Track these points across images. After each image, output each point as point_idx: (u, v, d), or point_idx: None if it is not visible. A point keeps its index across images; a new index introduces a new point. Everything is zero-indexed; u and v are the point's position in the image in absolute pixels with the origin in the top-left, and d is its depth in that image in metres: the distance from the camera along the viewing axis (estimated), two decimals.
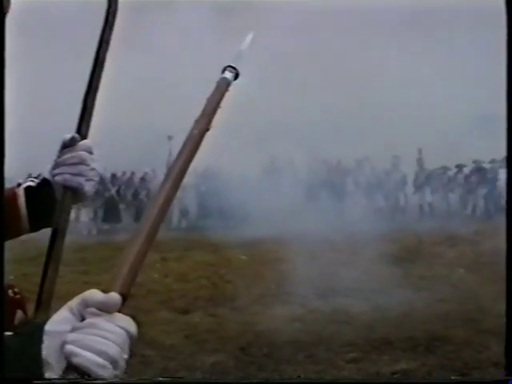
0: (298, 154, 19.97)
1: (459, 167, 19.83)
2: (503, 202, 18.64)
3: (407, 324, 7.10)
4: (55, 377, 0.90)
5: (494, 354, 5.77)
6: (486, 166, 19.37)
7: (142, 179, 20.01)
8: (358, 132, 17.45)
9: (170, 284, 9.89)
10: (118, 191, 19.57)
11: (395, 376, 5.72)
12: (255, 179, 19.64)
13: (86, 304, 0.95)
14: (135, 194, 19.70)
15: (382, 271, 9.69)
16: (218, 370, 5.92)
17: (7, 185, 1.71)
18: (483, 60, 14.63)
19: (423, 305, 7.83)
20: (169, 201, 1.15)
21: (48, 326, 0.93)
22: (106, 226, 18.84)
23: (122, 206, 19.41)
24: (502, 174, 19.33)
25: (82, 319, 0.95)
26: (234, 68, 1.53)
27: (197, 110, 1.41)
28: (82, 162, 1.73)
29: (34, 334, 0.93)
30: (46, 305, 1.53)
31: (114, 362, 0.92)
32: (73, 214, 18.42)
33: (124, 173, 20.55)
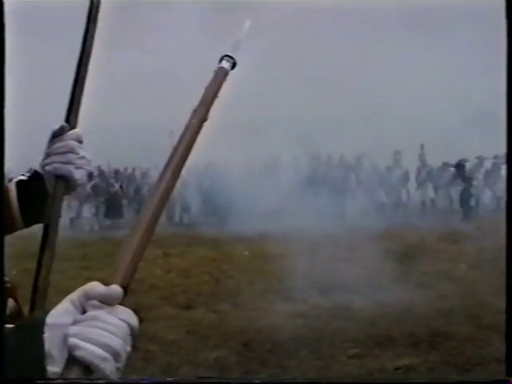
0: (300, 150, 19.96)
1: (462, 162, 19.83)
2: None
3: (409, 320, 7.10)
4: (58, 373, 0.89)
5: (496, 350, 5.77)
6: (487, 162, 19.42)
7: (144, 175, 20.04)
8: (360, 128, 17.44)
9: (173, 279, 9.89)
10: (120, 187, 19.60)
11: (398, 371, 5.73)
12: (257, 175, 19.68)
13: (87, 296, 0.95)
14: (137, 190, 19.72)
15: (384, 267, 9.68)
16: (221, 366, 5.92)
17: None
18: (481, 57, 14.68)
19: (425, 301, 7.83)
20: (169, 191, 1.15)
21: (49, 319, 0.93)
22: (108, 222, 18.86)
23: (124, 202, 19.44)
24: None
25: (84, 312, 0.95)
26: (231, 57, 1.52)
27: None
28: (71, 151, 1.75)
29: (35, 328, 0.92)
30: (42, 295, 1.55)
31: (116, 355, 0.92)
32: (75, 210, 18.50)
33: (126, 168, 20.59)
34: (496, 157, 18.55)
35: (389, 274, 9.17)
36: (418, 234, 13.49)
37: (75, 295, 0.96)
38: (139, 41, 16.98)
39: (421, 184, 20.04)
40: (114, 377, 0.92)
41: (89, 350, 0.90)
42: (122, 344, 0.93)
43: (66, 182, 1.76)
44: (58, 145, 1.75)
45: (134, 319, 0.96)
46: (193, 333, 6.99)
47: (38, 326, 0.92)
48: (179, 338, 6.79)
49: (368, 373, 5.68)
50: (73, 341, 0.90)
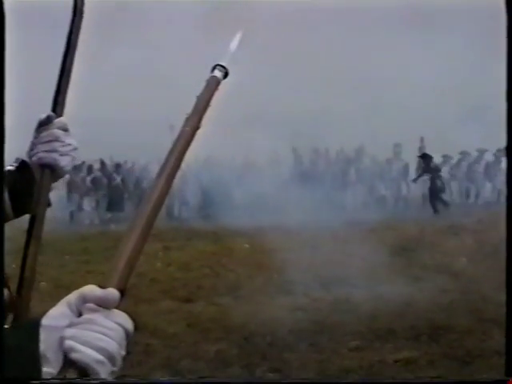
0: (300, 144, 19.97)
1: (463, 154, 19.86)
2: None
3: (410, 313, 7.11)
4: (53, 373, 0.89)
5: (496, 343, 5.77)
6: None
7: (144, 168, 20.02)
8: (360, 121, 17.46)
9: (173, 273, 9.91)
10: (122, 180, 19.61)
11: (398, 364, 5.74)
12: (257, 169, 19.66)
13: (84, 299, 0.95)
14: (137, 184, 19.72)
15: (385, 260, 9.69)
16: (221, 359, 5.93)
17: None
18: (477, 51, 14.70)
19: (426, 294, 7.84)
20: (162, 198, 1.15)
21: (45, 321, 0.92)
22: (108, 216, 18.86)
23: (125, 196, 19.46)
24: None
25: (80, 315, 0.94)
26: (223, 67, 1.53)
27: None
28: (56, 139, 1.77)
29: (31, 329, 0.92)
30: (28, 285, 1.55)
31: (112, 359, 0.91)
32: (75, 204, 18.51)
33: (125, 162, 20.59)
34: (498, 150, 18.53)
35: (389, 268, 9.18)
36: (418, 227, 13.50)
37: (72, 298, 0.95)
38: (137, 36, 16.96)
39: (420, 176, 20.03)
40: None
41: (85, 353, 0.89)
42: (117, 348, 0.93)
43: (52, 171, 1.78)
44: (43, 134, 1.77)
45: (129, 323, 0.96)
46: (193, 326, 6.99)
47: (34, 328, 0.92)
48: (180, 331, 6.79)
49: (368, 365, 5.69)
50: (69, 343, 0.90)
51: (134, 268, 1.03)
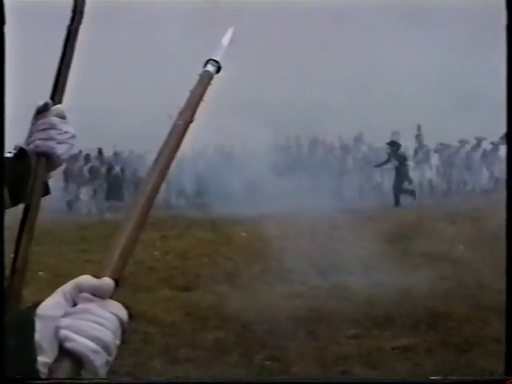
0: (298, 132, 19.97)
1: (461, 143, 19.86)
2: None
3: (408, 300, 7.13)
4: (48, 364, 0.88)
5: (494, 330, 5.80)
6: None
7: (141, 157, 19.98)
8: (357, 109, 17.47)
9: (171, 261, 9.92)
10: (121, 169, 19.59)
11: (396, 351, 5.76)
12: (254, 157, 19.64)
13: (79, 289, 0.95)
14: (135, 173, 19.69)
15: (382, 248, 9.71)
16: (219, 347, 5.95)
17: None
18: (473, 42, 14.75)
19: (424, 281, 7.86)
20: (156, 191, 1.17)
21: (40, 311, 0.92)
22: (106, 205, 18.85)
23: (123, 185, 19.44)
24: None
25: (75, 305, 0.94)
26: (216, 61, 1.55)
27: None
28: (53, 127, 1.75)
29: (26, 319, 0.92)
30: (19, 275, 1.55)
31: (107, 348, 0.91)
32: (73, 193, 18.49)
33: (122, 151, 20.56)
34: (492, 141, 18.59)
35: (387, 255, 9.20)
36: (416, 215, 13.53)
37: (67, 288, 0.95)
38: (136, 23, 16.91)
39: (418, 165, 20.05)
40: (104, 370, 0.92)
41: (80, 342, 0.89)
42: (112, 337, 0.93)
43: (48, 159, 1.77)
44: (40, 121, 1.76)
45: (124, 313, 0.96)
46: (191, 314, 7.01)
47: (29, 317, 0.91)
48: (178, 319, 6.81)
49: (366, 353, 5.71)
50: (64, 333, 0.90)
51: (129, 258, 1.04)
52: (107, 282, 0.96)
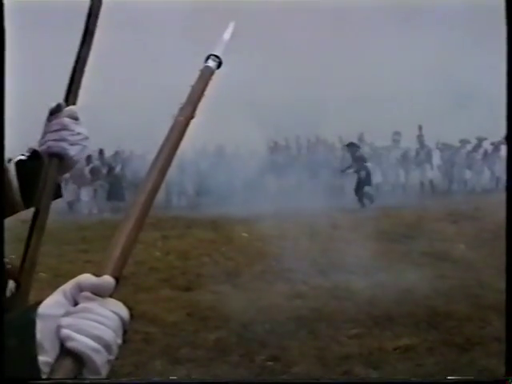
0: (298, 132, 19.96)
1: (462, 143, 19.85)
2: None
3: (409, 300, 7.12)
4: (50, 363, 0.88)
5: (495, 330, 5.79)
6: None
7: (142, 157, 19.96)
8: (358, 109, 17.46)
9: (172, 262, 9.91)
10: (122, 169, 19.59)
11: (397, 351, 5.75)
12: (255, 157, 19.65)
13: (80, 288, 0.95)
14: (136, 173, 19.67)
15: (383, 247, 9.71)
16: (221, 347, 5.94)
17: None
18: (470, 42, 14.78)
19: (424, 281, 7.85)
20: (156, 188, 1.16)
21: (41, 310, 0.92)
22: (109, 205, 18.85)
23: (124, 185, 19.45)
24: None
25: (75, 304, 0.94)
26: (217, 57, 1.55)
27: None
28: (65, 128, 1.75)
29: (27, 318, 0.92)
30: (27, 276, 1.54)
31: (108, 347, 0.91)
32: (73, 193, 18.48)
33: (123, 151, 20.55)
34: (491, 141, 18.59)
35: (388, 255, 9.21)
36: (417, 215, 13.52)
37: (67, 287, 0.95)
38: (136, 23, 16.89)
39: (419, 164, 20.06)
40: (105, 369, 0.92)
41: (81, 341, 0.89)
42: (113, 336, 0.93)
43: (61, 160, 1.75)
44: (53, 122, 1.75)
45: (125, 312, 0.96)
46: (192, 314, 7.00)
47: (30, 316, 0.91)
48: (179, 319, 6.81)
49: (368, 352, 5.70)
50: (65, 332, 0.90)
51: (129, 257, 1.04)
52: (107, 280, 0.96)
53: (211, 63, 1.52)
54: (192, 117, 1.35)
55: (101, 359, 0.90)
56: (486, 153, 19.64)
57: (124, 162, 20.15)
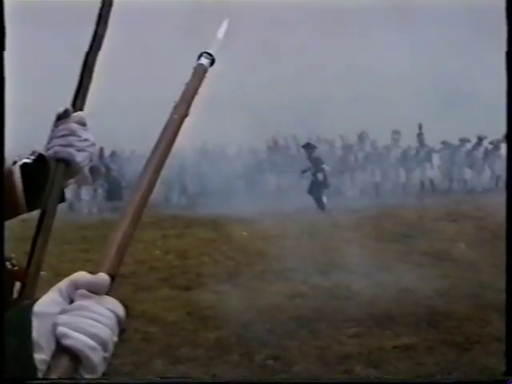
0: (298, 131, 19.95)
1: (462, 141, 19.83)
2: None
3: (409, 299, 7.12)
4: (46, 361, 0.88)
5: (495, 329, 5.79)
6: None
7: (141, 157, 19.97)
8: (358, 108, 17.46)
9: (172, 261, 9.91)
10: (120, 169, 19.58)
11: (397, 350, 5.75)
12: (256, 156, 19.67)
13: (75, 286, 0.95)
14: (134, 173, 19.67)
15: (383, 247, 9.71)
16: (221, 346, 5.94)
17: None
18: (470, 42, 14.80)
19: (425, 280, 7.85)
20: (151, 186, 1.16)
21: (37, 308, 0.92)
22: (107, 204, 18.85)
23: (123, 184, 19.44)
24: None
25: (71, 302, 0.94)
26: (209, 54, 1.54)
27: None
28: (72, 133, 1.74)
29: (23, 316, 0.91)
30: (33, 278, 1.55)
31: (104, 345, 0.92)
32: (73, 193, 18.47)
33: (123, 151, 20.55)
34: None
35: (388, 254, 9.20)
36: (417, 214, 13.51)
37: (63, 285, 0.95)
38: (136, 23, 16.90)
39: (419, 163, 20.04)
40: (101, 367, 0.92)
41: (78, 339, 0.89)
42: (110, 334, 0.93)
43: (67, 166, 1.74)
44: (60, 127, 1.74)
45: (121, 309, 0.96)
46: (192, 314, 7.00)
47: (26, 315, 0.91)
48: (179, 319, 6.81)
49: (368, 352, 5.71)
50: (61, 330, 0.90)
51: (125, 255, 1.04)
52: (103, 277, 0.96)
53: (204, 61, 1.52)
54: (186, 115, 1.35)
55: (97, 357, 0.90)
56: (486, 151, 19.60)
57: (124, 161, 20.13)
